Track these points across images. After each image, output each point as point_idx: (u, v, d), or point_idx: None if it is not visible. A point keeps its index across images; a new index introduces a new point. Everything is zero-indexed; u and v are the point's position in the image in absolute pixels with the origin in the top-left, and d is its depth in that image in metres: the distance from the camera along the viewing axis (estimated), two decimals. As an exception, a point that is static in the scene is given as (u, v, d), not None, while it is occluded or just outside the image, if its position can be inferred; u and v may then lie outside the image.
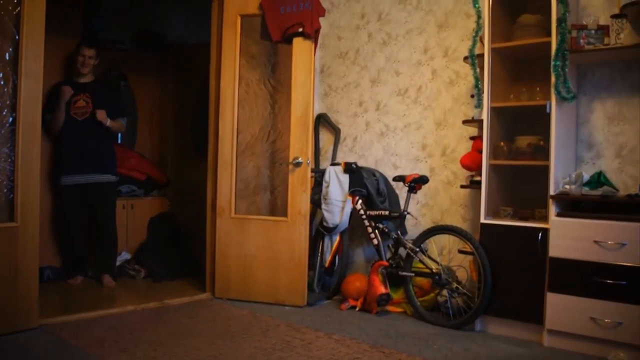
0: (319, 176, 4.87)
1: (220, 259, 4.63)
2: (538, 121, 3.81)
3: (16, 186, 3.58)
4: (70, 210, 5.02)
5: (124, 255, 5.48)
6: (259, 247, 4.52)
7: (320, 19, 4.53)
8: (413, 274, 4.26)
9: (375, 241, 4.51)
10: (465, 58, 4.19)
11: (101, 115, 4.89)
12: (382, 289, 4.28)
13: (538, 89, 3.90)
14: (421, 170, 4.71)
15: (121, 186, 5.56)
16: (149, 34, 6.16)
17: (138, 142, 6.03)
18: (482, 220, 3.95)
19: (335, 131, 5.22)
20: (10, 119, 3.61)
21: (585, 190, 3.68)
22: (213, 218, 4.69)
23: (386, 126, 4.96)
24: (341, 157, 5.18)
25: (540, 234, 3.66)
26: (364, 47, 5.11)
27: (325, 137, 5.35)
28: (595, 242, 3.44)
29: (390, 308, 4.41)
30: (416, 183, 4.36)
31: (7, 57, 3.60)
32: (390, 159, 4.93)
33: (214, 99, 4.72)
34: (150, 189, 5.93)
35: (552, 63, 3.67)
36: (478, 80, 4.04)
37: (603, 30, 3.72)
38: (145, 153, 6.09)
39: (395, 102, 4.92)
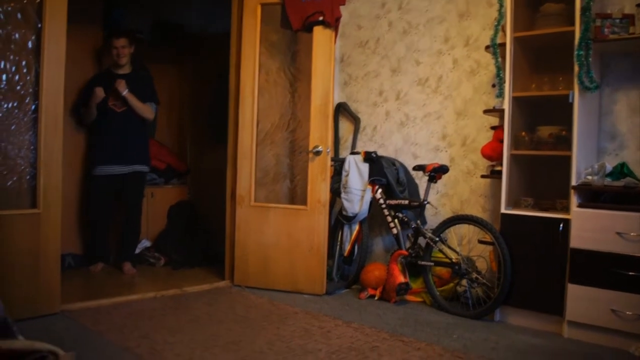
0: (338, 165, 4.87)
1: (240, 247, 4.65)
2: (560, 111, 3.76)
3: (39, 173, 3.62)
4: (99, 199, 5.06)
5: (144, 243, 5.53)
6: (278, 235, 4.53)
7: (341, 7, 4.51)
8: (432, 264, 4.26)
9: (394, 230, 4.50)
10: (487, 47, 4.15)
11: (120, 84, 4.87)
12: (401, 278, 4.27)
13: (560, 78, 3.86)
14: (441, 160, 4.68)
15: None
16: (168, 24, 6.18)
17: (158, 131, 6.04)
18: (503, 211, 3.92)
19: (355, 120, 5.21)
20: (33, 106, 3.64)
21: (608, 181, 3.64)
22: (233, 206, 4.71)
23: (406, 116, 4.94)
24: (361, 147, 5.17)
25: (561, 225, 3.64)
26: (385, 36, 5.08)
27: (345, 127, 5.34)
28: (617, 233, 3.41)
29: (409, 297, 4.41)
30: (436, 172, 4.34)
31: (30, 46, 3.64)
32: (410, 148, 4.91)
33: (234, 88, 4.73)
34: (170, 177, 5.96)
35: (576, 52, 3.62)
36: (500, 69, 4.01)
37: (628, 19, 3.66)
38: (164, 142, 6.12)
39: (415, 91, 4.89)
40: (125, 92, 4.87)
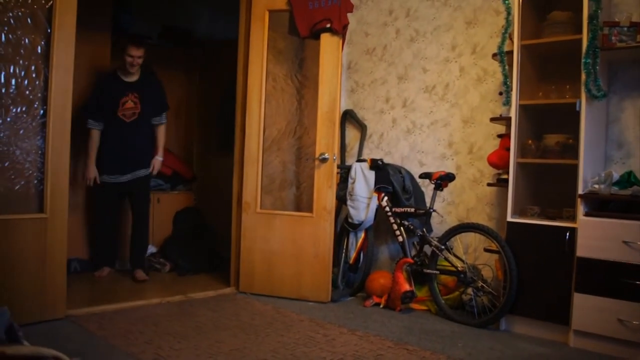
0: (344, 172, 4.87)
1: (245, 253, 4.65)
2: (567, 119, 3.76)
3: (46, 178, 3.63)
4: (105, 204, 5.07)
5: (150, 249, 5.52)
6: (283, 242, 4.53)
7: (348, 15, 4.52)
8: (438, 272, 4.24)
9: (400, 238, 4.50)
10: (494, 55, 4.15)
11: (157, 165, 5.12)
12: (406, 287, 4.26)
13: (568, 86, 3.85)
14: (447, 167, 4.68)
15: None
16: (177, 30, 6.21)
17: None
18: (509, 219, 3.91)
19: (362, 127, 5.21)
20: (42, 111, 3.66)
21: (615, 189, 3.62)
22: (238, 213, 4.72)
23: (413, 123, 4.94)
24: (367, 154, 5.17)
25: (567, 234, 3.62)
26: (392, 44, 5.09)
27: (352, 134, 5.34)
28: (624, 242, 3.39)
29: (414, 306, 4.40)
30: (442, 180, 4.34)
31: (39, 50, 3.66)
32: (416, 156, 4.90)
33: (241, 95, 4.74)
34: (176, 183, 5.98)
35: (583, 60, 3.62)
36: (507, 77, 4.01)
37: (636, 27, 3.65)
38: (171, 148, 6.13)
39: (422, 99, 4.89)
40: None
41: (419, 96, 4.91)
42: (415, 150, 4.91)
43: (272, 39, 4.70)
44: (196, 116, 6.39)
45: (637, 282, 3.32)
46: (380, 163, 4.69)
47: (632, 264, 3.36)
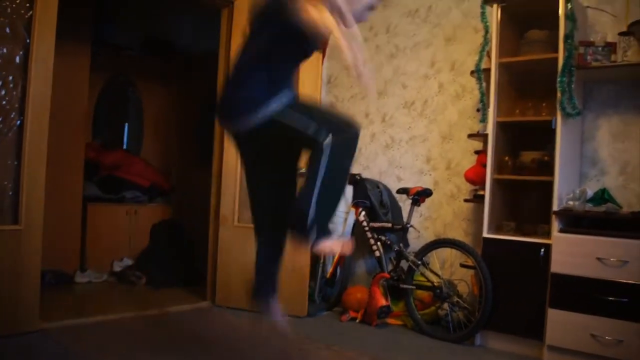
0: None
1: (222, 267, 4.62)
2: (543, 137, 3.81)
3: (21, 189, 3.58)
4: None
5: (126, 262, 5.48)
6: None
7: (328, 30, 4.54)
8: (414, 287, 4.25)
9: (377, 253, 4.50)
10: (472, 72, 4.20)
11: None
12: (382, 302, 4.26)
13: (544, 104, 3.90)
14: (425, 183, 4.70)
15: (125, 192, 5.58)
16: (157, 41, 6.19)
17: (143, 149, 6.04)
18: (485, 235, 3.94)
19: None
20: (18, 122, 3.62)
21: (589, 206, 3.68)
22: (215, 226, 4.69)
23: (391, 138, 4.97)
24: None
25: (542, 250, 3.66)
26: (372, 59, 5.13)
27: (330, 148, 5.33)
28: (598, 258, 3.43)
29: (390, 321, 4.39)
30: (420, 196, 4.36)
31: (17, 61, 3.61)
32: (394, 171, 4.93)
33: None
34: (154, 195, 5.95)
35: (558, 79, 3.67)
36: (483, 94, 4.06)
37: (610, 47, 3.72)
38: (150, 159, 6.11)
39: (401, 114, 4.93)
40: None
41: (398, 111, 4.94)
42: (394, 165, 4.94)
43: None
44: (175, 128, 6.36)
45: (610, 298, 3.36)
46: (358, 178, 4.70)
47: (605, 280, 3.39)
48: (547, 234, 3.73)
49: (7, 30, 3.58)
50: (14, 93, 3.62)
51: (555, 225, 3.65)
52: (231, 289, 4.58)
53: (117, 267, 5.36)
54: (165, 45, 6.21)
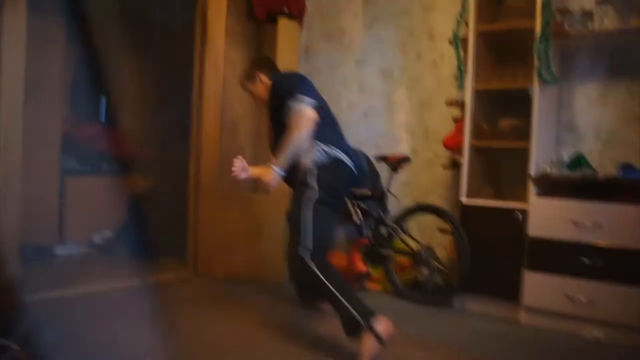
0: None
1: (203, 236, 4.64)
2: (520, 104, 3.85)
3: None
4: None
5: (106, 233, 5.45)
6: (242, 224, 4.51)
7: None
8: (393, 253, 4.31)
9: (356, 220, 4.51)
10: (451, 40, 4.23)
11: None
12: (362, 267, 4.31)
13: (522, 72, 3.93)
14: (404, 150, 4.75)
15: (103, 164, 5.53)
16: (132, 11, 5.97)
17: (121, 120, 5.91)
18: (463, 200, 4.01)
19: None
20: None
21: (566, 172, 3.75)
22: (195, 195, 4.69)
23: (369, 107, 4.99)
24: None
25: (519, 214, 3.73)
26: (350, 27, 5.11)
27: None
28: (574, 222, 3.52)
29: (370, 285, 4.45)
30: (398, 163, 4.39)
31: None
32: (374, 139, 4.95)
33: (197, 79, 4.71)
34: (132, 166, 5.82)
35: (536, 46, 3.71)
36: (461, 62, 4.08)
37: (587, 16, 3.77)
38: (128, 131, 5.99)
39: (378, 82, 4.94)
40: None
41: (375, 79, 4.96)
42: (373, 133, 4.96)
43: (228, 22, 4.66)
44: (152, 98, 6.21)
45: (585, 261, 3.46)
46: (337, 147, 4.71)
47: (581, 242, 3.50)
48: (524, 199, 3.80)
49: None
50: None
51: (532, 190, 3.73)
52: (213, 258, 4.60)
53: (97, 239, 5.33)
54: (141, 15, 6.05)
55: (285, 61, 4.44)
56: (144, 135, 6.22)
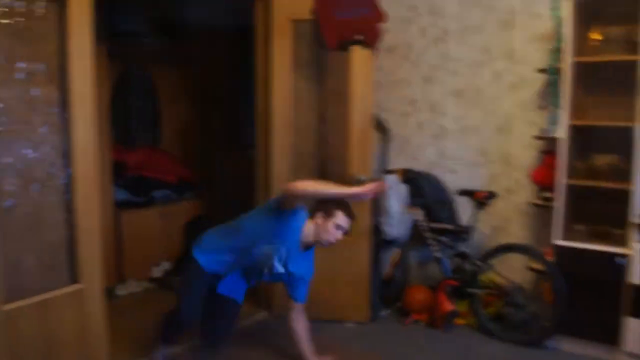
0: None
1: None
2: (617, 139, 3.71)
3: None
4: None
5: (164, 265, 5.24)
6: (319, 265, 4.31)
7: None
8: (481, 291, 4.21)
9: (437, 254, 4.39)
10: (542, 70, 3.99)
11: None
12: (449, 306, 4.21)
13: (619, 106, 3.72)
14: (480, 176, 4.56)
15: (154, 192, 5.27)
16: (166, 23, 5.56)
17: (162, 141, 5.62)
18: (556, 242, 3.85)
19: (385, 132, 4.93)
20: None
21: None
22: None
23: (441, 128, 4.74)
24: (391, 159, 4.93)
25: (621, 259, 3.62)
26: (415, 41, 4.80)
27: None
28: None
29: (455, 321, 4.35)
30: (486, 200, 4.22)
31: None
32: (445, 162, 4.72)
33: (262, 114, 4.40)
34: (183, 191, 5.58)
35: (641, 83, 3.49)
36: (556, 96, 3.84)
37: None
38: (171, 151, 5.72)
39: (450, 103, 4.68)
40: None
41: (446, 100, 4.69)
42: (445, 156, 4.74)
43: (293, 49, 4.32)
44: (193, 114, 5.93)
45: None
46: (412, 175, 4.51)
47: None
48: (622, 241, 3.67)
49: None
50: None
51: (635, 235, 3.58)
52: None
53: (156, 273, 5.12)
54: (174, 26, 5.60)
55: (360, 94, 4.17)
56: (188, 153, 5.89)
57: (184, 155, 5.92)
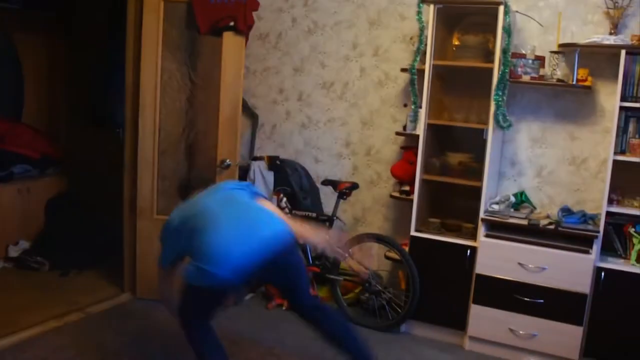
0: (241, 172, 4.69)
1: (142, 259, 4.38)
2: (469, 139, 4.05)
3: None
4: None
5: (22, 245, 5.01)
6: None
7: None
8: (342, 278, 4.39)
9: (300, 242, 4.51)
10: (404, 70, 4.19)
11: None
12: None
13: (474, 109, 4.03)
14: (344, 167, 4.75)
15: (13, 167, 5.01)
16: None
17: (25, 113, 5.33)
18: (413, 233, 4.12)
19: (253, 117, 5.01)
20: None
21: (511, 211, 3.98)
22: (132, 218, 4.40)
23: (308, 118, 4.87)
24: (258, 145, 5.03)
25: (468, 252, 3.94)
26: (287, 33, 4.87)
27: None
28: (519, 263, 3.77)
29: (315, 306, 4.51)
30: (348, 190, 4.39)
31: None
32: (311, 151, 4.87)
33: (130, 91, 4.33)
34: (45, 167, 5.35)
35: (494, 92, 3.79)
36: (416, 95, 4.07)
37: (540, 61, 3.88)
38: (34, 124, 5.43)
39: (319, 94, 4.81)
40: None
41: (315, 91, 4.82)
42: (311, 145, 4.88)
43: (165, 30, 4.25)
44: (60, 88, 5.67)
45: (527, 299, 3.75)
46: (279, 162, 4.61)
47: (525, 282, 3.77)
48: (472, 235, 3.99)
49: None
50: None
51: (481, 229, 3.91)
52: (153, 282, 4.40)
53: (14, 252, 4.90)
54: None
55: (231, 80, 4.19)
56: (53, 128, 5.63)
57: (50, 131, 5.66)
